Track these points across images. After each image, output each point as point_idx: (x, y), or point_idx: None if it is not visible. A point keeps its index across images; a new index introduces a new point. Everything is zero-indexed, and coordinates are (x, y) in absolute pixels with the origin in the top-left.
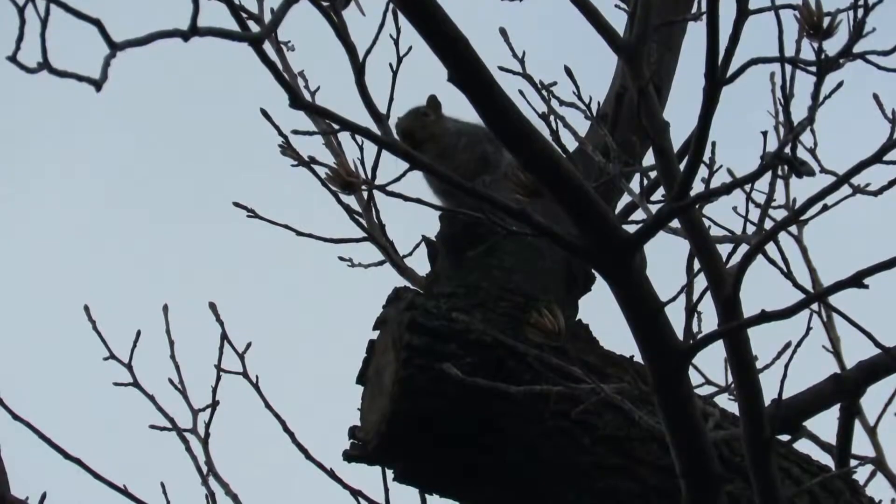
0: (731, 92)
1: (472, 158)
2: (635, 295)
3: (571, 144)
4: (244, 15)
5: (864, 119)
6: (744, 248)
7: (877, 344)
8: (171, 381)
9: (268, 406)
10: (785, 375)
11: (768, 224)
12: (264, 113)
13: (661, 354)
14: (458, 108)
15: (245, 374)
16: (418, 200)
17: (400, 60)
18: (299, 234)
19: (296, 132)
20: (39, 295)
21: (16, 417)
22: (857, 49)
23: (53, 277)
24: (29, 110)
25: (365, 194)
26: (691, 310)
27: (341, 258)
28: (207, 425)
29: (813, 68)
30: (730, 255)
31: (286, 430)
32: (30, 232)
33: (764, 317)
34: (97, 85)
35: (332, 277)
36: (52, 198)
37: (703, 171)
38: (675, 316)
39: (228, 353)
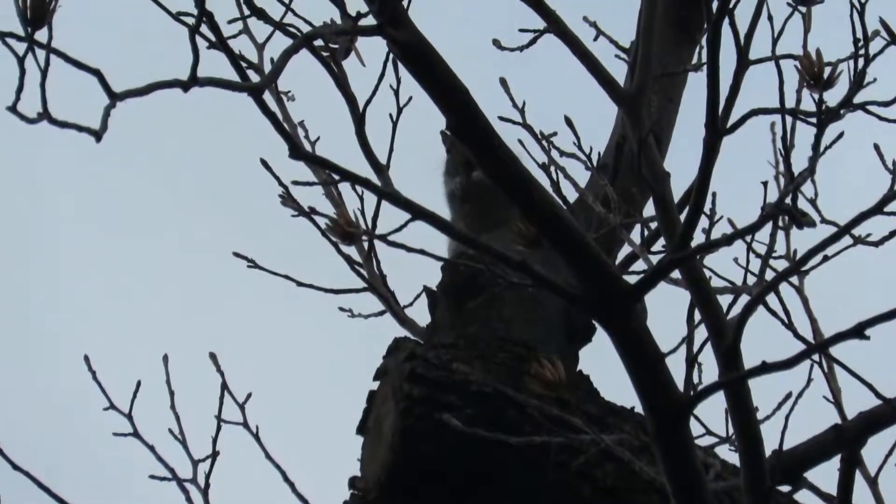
0: (731, 142)
1: None
2: (636, 345)
3: (572, 195)
4: (244, 64)
5: (865, 169)
6: (744, 298)
7: (878, 395)
8: (171, 431)
9: (268, 456)
10: (786, 426)
11: (769, 275)
12: (264, 163)
13: (661, 405)
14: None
15: (245, 425)
16: (420, 251)
17: (400, 111)
18: (300, 284)
19: (296, 183)
20: (39, 344)
21: (16, 467)
22: (857, 100)
23: (53, 327)
24: (27, 157)
25: (365, 245)
26: (692, 361)
27: (342, 308)
28: (208, 475)
29: (813, 119)
30: (730, 306)
31: (286, 480)
32: (28, 279)
33: (765, 368)
34: (97, 135)
35: (333, 328)
36: (50, 244)
37: (703, 222)
38: (676, 366)
39: (229, 403)
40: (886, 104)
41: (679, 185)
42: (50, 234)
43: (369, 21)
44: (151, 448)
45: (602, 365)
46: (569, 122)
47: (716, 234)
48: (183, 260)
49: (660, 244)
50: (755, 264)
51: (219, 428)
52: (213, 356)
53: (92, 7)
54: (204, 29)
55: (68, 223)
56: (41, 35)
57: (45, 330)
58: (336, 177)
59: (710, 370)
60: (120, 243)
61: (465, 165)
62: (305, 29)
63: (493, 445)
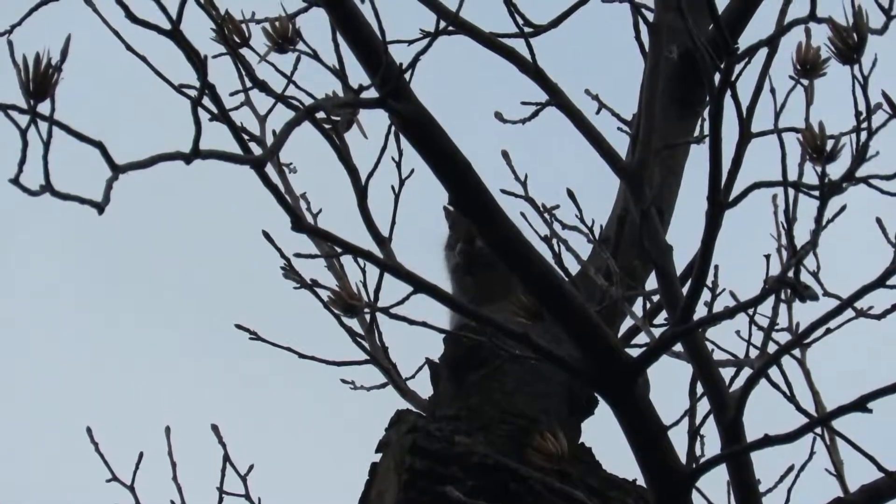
0: (733, 215)
1: None
2: (638, 418)
3: (574, 267)
4: (246, 137)
5: (867, 243)
6: (747, 371)
7: (880, 468)
8: (173, 503)
9: None
10: (788, 499)
11: (771, 347)
12: (266, 235)
13: (663, 478)
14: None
15: (247, 497)
16: (423, 324)
17: (402, 183)
18: (301, 356)
19: (298, 255)
20: (41, 417)
21: None
22: (860, 173)
23: (55, 399)
24: (29, 229)
25: (367, 317)
26: (694, 433)
27: (343, 381)
28: None
29: (816, 192)
30: (733, 379)
31: None
32: (32, 352)
33: (767, 441)
34: (100, 208)
35: (335, 400)
36: (52, 316)
37: (705, 295)
38: (679, 439)
39: (231, 475)
40: (889, 178)
41: (681, 258)
42: (50, 303)
43: (371, 94)
44: None
45: (604, 436)
46: (571, 194)
47: (718, 306)
48: (185, 332)
49: (662, 317)
50: (757, 337)
51: (221, 500)
52: (215, 428)
53: (94, 79)
54: (206, 101)
55: (71, 293)
56: (44, 107)
57: (46, 400)
58: (338, 249)
59: (712, 442)
60: (122, 315)
61: (468, 237)
62: (308, 101)
63: None
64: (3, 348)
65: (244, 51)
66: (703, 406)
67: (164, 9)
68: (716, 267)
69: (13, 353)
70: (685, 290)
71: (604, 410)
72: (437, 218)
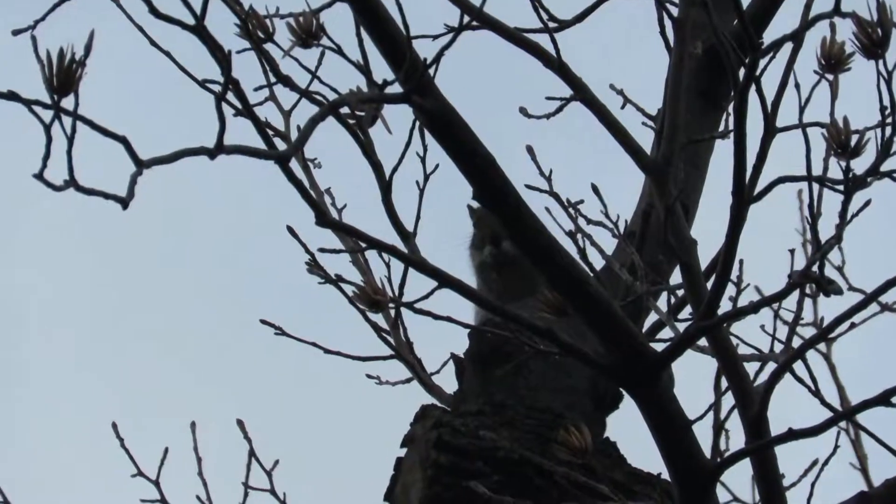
0: (758, 210)
1: None
2: (663, 413)
3: (598, 262)
4: (271, 132)
5: (892, 237)
6: (771, 366)
7: None
8: (198, 498)
9: None
10: (812, 493)
11: (796, 342)
12: (291, 230)
13: (688, 472)
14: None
15: (273, 492)
16: (448, 318)
17: (427, 178)
18: (327, 351)
19: (322, 250)
20: (66, 412)
21: None
22: (884, 167)
23: (80, 394)
24: (52, 223)
25: (392, 312)
26: (719, 428)
27: (369, 376)
28: None
29: (840, 187)
30: (757, 373)
31: None
32: (57, 346)
33: (791, 435)
34: (124, 203)
35: (360, 395)
36: (76, 309)
37: (730, 290)
38: (703, 433)
39: (256, 470)
40: None
41: (706, 253)
42: (81, 299)
43: (395, 89)
44: None
45: (629, 431)
46: (595, 189)
47: (743, 301)
48: (210, 327)
49: (687, 312)
50: (782, 332)
51: (246, 494)
52: (240, 423)
53: (118, 74)
54: (230, 96)
55: (94, 287)
56: (68, 102)
57: (71, 395)
58: (363, 244)
59: (737, 437)
60: (147, 309)
61: (493, 237)
62: (332, 97)
63: None
64: (26, 342)
65: (268, 46)
66: (728, 400)
67: (188, 4)
68: (740, 262)
69: (37, 346)
70: (710, 285)
71: (628, 405)
72: (461, 213)
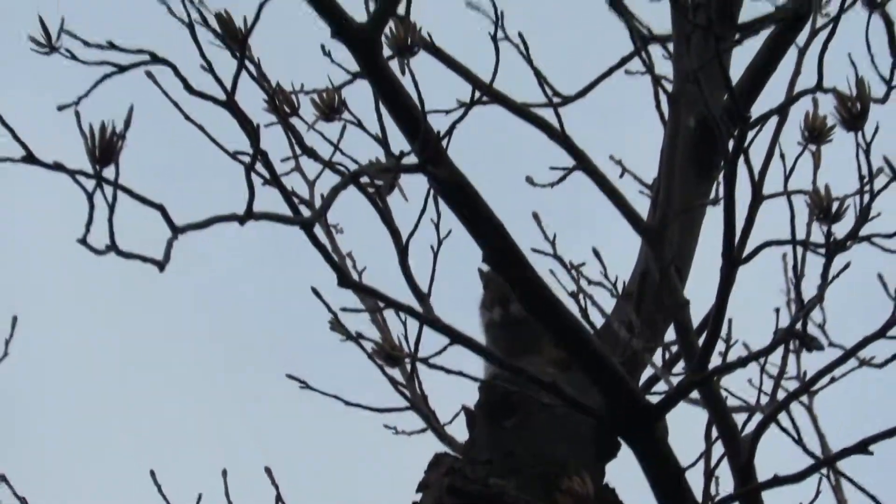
0: (746, 271)
1: None
2: (657, 461)
3: (599, 321)
4: (296, 200)
5: (870, 296)
6: (758, 417)
7: None
8: None
9: None
10: None
11: (781, 394)
12: (315, 291)
13: None
14: None
15: None
16: (459, 373)
17: (440, 242)
18: (348, 403)
19: (344, 310)
20: (108, 460)
21: None
22: (863, 232)
23: (118, 442)
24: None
25: (408, 367)
26: (709, 474)
27: (386, 426)
28: None
29: (822, 250)
30: (745, 424)
31: None
32: (94, 397)
33: (776, 481)
34: (161, 266)
35: (378, 444)
36: (114, 363)
37: (720, 346)
38: (695, 479)
39: None
40: (889, 236)
41: (698, 311)
42: (118, 352)
43: (412, 159)
44: None
45: (626, 477)
46: (596, 253)
47: (731, 356)
48: (241, 381)
49: (680, 366)
50: (768, 385)
51: None
52: (268, 470)
53: (155, 145)
54: (259, 166)
55: (132, 338)
56: (109, 172)
57: (112, 443)
58: (381, 304)
59: (726, 483)
60: (179, 364)
61: (501, 299)
62: (353, 167)
63: None
64: (65, 385)
65: (294, 120)
66: (718, 449)
67: (219, 81)
68: (730, 320)
69: (71, 394)
70: (701, 341)
71: (626, 453)
72: (473, 276)
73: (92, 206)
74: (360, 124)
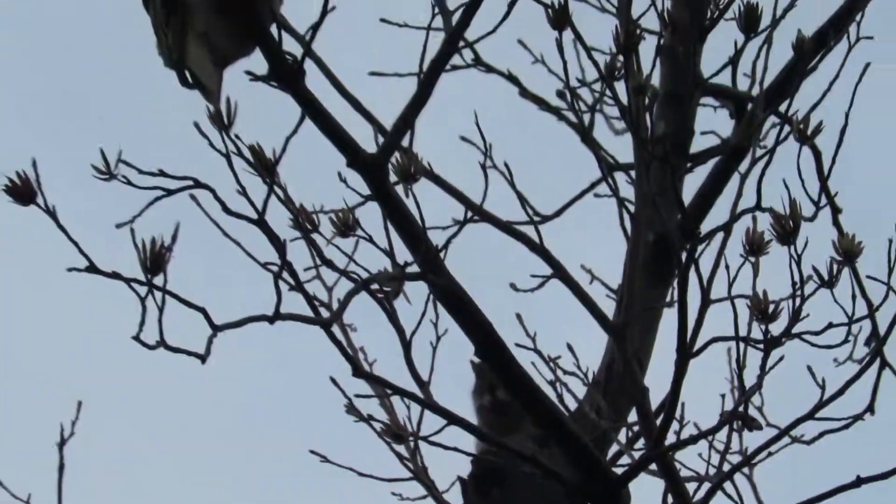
0: (696, 363)
1: None
2: None
3: (572, 404)
4: (317, 303)
5: (801, 384)
6: (706, 486)
7: None
8: None
9: None
10: None
11: (726, 467)
12: (333, 381)
13: None
14: None
15: None
16: (455, 449)
17: (438, 339)
18: (360, 474)
19: (358, 395)
20: None
21: None
22: (795, 330)
23: None
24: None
25: (412, 444)
26: None
27: (393, 493)
28: None
29: (761, 346)
30: (695, 492)
31: None
32: (135, 478)
33: None
34: (203, 359)
35: None
36: (153, 450)
37: (674, 426)
38: None
39: None
40: (817, 334)
41: (656, 397)
42: (158, 440)
43: (414, 269)
44: None
45: None
46: (570, 347)
47: (684, 435)
48: (267, 455)
49: (640, 443)
50: (715, 459)
51: None
52: None
53: (196, 257)
54: (285, 275)
55: (158, 455)
56: (158, 280)
57: None
58: (389, 391)
59: None
60: (208, 444)
61: (490, 387)
62: (365, 275)
63: None
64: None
65: (315, 236)
66: None
67: (252, 203)
68: (682, 404)
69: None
70: (658, 422)
71: None
72: (465, 366)
73: (144, 309)
74: (370, 239)
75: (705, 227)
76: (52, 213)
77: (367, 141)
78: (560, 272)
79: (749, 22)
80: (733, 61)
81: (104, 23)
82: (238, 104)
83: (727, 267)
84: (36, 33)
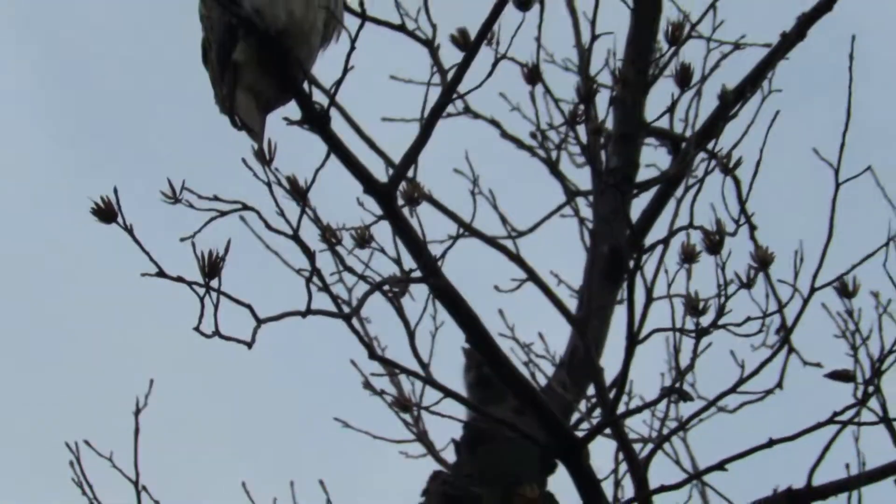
0: (642, 348)
1: None
2: (583, 475)
3: (543, 381)
4: (340, 301)
5: (725, 366)
6: (650, 446)
7: None
8: None
9: None
10: None
11: (665, 431)
12: (353, 363)
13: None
14: None
15: None
16: (450, 417)
17: (436, 329)
18: (374, 437)
19: (373, 374)
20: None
21: None
22: (720, 322)
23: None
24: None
25: (415, 412)
26: (617, 483)
27: (400, 452)
28: None
29: (693, 335)
30: (641, 450)
31: None
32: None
33: (662, 489)
34: (249, 345)
35: (395, 463)
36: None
37: (625, 398)
38: (608, 487)
39: None
40: (738, 325)
41: (610, 375)
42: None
43: (417, 274)
44: None
45: (561, 486)
46: (541, 336)
47: (632, 405)
48: (300, 424)
49: (597, 412)
50: (657, 425)
51: None
52: (321, 482)
53: (244, 264)
54: (315, 279)
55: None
56: (214, 283)
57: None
58: (397, 371)
59: (628, 490)
60: (251, 414)
61: (477, 367)
62: (377, 279)
63: None
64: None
65: (338, 248)
66: (623, 467)
67: (288, 222)
68: (631, 381)
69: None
70: (612, 395)
71: (562, 470)
72: (458, 351)
73: (202, 306)
74: (382, 251)
75: (649, 240)
76: (129, 230)
77: (380, 172)
78: (533, 277)
79: (683, 78)
80: (671, 109)
81: (170, 78)
82: (277, 143)
83: (666, 272)
84: (115, 86)
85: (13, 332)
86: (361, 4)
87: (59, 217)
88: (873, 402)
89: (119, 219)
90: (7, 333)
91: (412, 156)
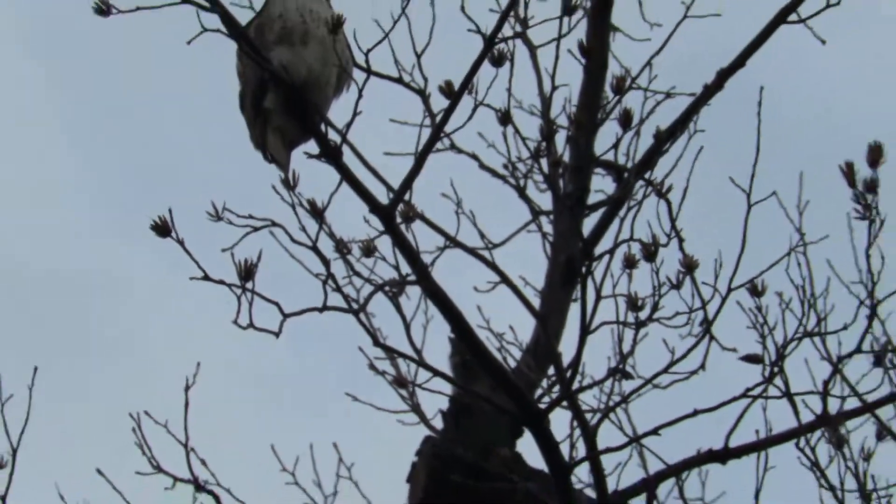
0: (593, 338)
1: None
2: (545, 439)
3: (513, 363)
4: (350, 299)
5: (658, 351)
6: (598, 415)
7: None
8: None
9: None
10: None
11: (612, 403)
12: (360, 349)
13: (554, 464)
14: None
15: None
16: (440, 392)
17: (427, 322)
18: (377, 408)
19: (377, 358)
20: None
21: None
22: (655, 316)
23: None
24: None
25: (411, 388)
26: (572, 445)
27: (398, 420)
28: None
29: (633, 327)
30: (591, 419)
31: None
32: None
33: (607, 450)
34: (277, 335)
35: (393, 431)
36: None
37: (578, 377)
38: (564, 448)
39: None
40: (669, 318)
41: (567, 359)
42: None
43: (412, 278)
44: None
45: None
46: (511, 328)
47: (585, 383)
48: (318, 399)
49: (556, 389)
50: (604, 399)
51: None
52: (335, 445)
53: (273, 270)
54: (330, 282)
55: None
56: (249, 284)
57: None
58: (396, 355)
59: (581, 451)
60: (277, 391)
61: (461, 352)
62: (380, 281)
63: (477, 490)
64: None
65: (349, 257)
66: (577, 432)
67: (309, 236)
68: (584, 363)
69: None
70: (568, 375)
71: (528, 436)
72: (444, 340)
73: (239, 304)
74: (384, 259)
75: (598, 251)
76: (181, 242)
77: (382, 196)
78: (505, 280)
79: (625, 121)
80: (615, 145)
81: (214, 119)
82: (299, 173)
83: (612, 276)
84: (162, 126)
85: (91, 330)
86: (367, 62)
87: (121, 235)
88: (778, 381)
89: (172, 234)
90: (87, 331)
91: (408, 183)
